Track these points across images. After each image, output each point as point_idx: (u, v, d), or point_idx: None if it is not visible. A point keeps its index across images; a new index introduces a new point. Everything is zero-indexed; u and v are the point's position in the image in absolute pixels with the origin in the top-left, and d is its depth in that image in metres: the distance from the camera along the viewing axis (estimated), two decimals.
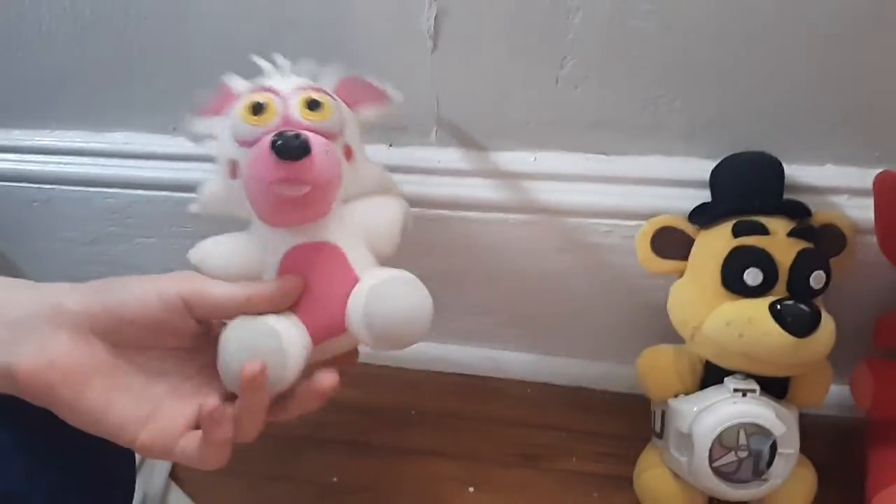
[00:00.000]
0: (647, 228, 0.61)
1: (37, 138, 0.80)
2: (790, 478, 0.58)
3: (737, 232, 0.57)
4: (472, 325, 0.76)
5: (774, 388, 0.58)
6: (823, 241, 0.59)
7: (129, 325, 0.44)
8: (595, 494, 0.64)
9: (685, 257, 0.60)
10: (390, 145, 0.71)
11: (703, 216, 0.60)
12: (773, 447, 0.56)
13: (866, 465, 0.60)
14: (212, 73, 0.53)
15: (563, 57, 0.63)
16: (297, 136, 0.48)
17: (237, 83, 0.54)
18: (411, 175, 0.69)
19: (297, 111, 0.51)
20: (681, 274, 0.61)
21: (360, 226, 0.53)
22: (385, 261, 0.53)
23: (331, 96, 0.53)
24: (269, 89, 0.52)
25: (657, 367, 0.61)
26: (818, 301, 0.56)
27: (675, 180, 0.65)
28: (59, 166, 0.79)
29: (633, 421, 0.66)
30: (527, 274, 0.72)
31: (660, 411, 0.62)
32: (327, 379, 0.46)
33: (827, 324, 0.54)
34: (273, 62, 0.55)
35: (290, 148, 0.47)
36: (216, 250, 0.52)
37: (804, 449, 0.60)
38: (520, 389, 0.77)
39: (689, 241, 0.60)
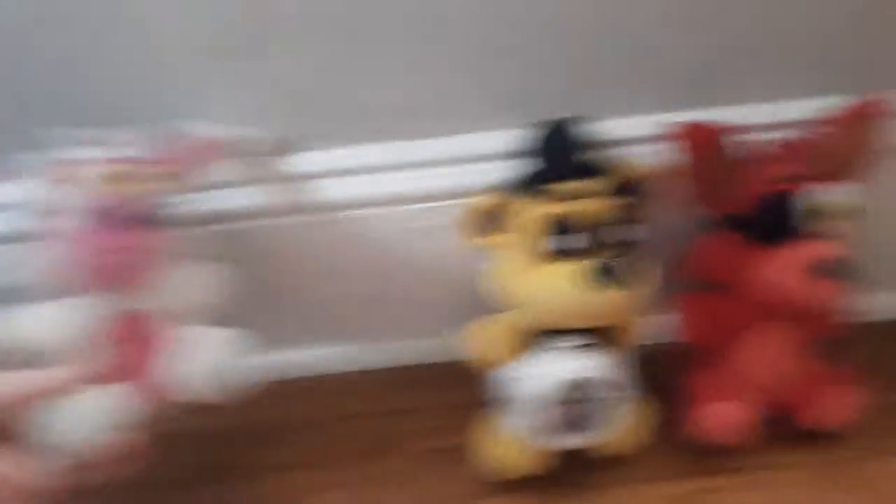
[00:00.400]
0: (470, 207, 0.60)
1: None
2: (628, 415, 0.62)
3: (547, 199, 0.57)
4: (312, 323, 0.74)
5: (602, 336, 0.60)
6: (632, 192, 0.61)
7: None
8: (448, 469, 0.65)
9: (503, 230, 0.60)
10: None
11: (517, 188, 0.60)
12: (605, 393, 0.59)
13: (685, 388, 0.64)
14: None
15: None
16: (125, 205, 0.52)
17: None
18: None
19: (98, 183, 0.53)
20: (501, 247, 0.60)
21: (179, 294, 0.57)
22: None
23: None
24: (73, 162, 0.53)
25: (486, 338, 0.62)
26: (633, 252, 0.58)
27: (484, 155, 0.65)
28: None
29: (467, 388, 0.67)
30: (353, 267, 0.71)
31: (495, 377, 0.62)
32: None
33: (638, 272, 0.56)
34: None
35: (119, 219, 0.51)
36: (37, 324, 0.54)
37: (647, 378, 0.64)
38: (358, 381, 0.77)
39: (508, 215, 0.60)
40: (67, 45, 0.61)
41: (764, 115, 0.65)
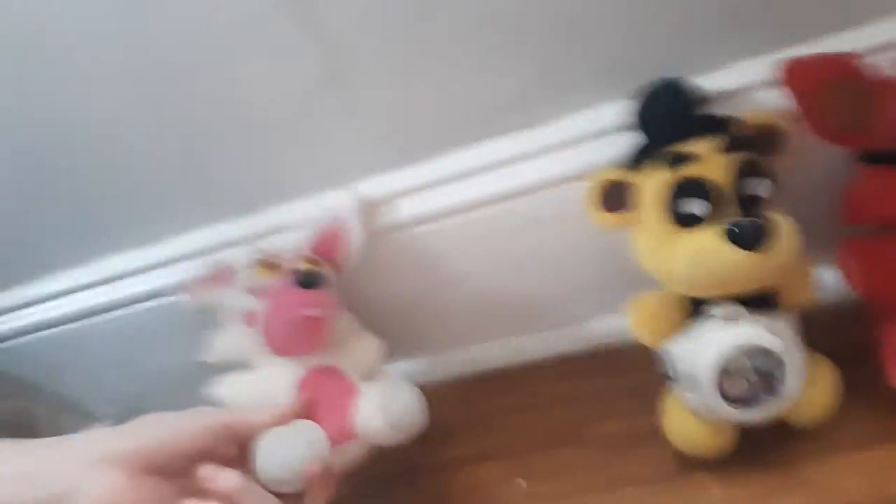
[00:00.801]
0: (592, 188, 0.60)
1: None
2: (809, 381, 0.58)
3: (669, 166, 0.57)
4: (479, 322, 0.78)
5: (764, 302, 0.58)
6: (759, 145, 0.58)
7: (179, 457, 0.48)
8: (638, 450, 0.65)
9: (632, 206, 0.60)
10: None
11: (636, 160, 0.60)
12: (778, 362, 0.56)
13: (879, 342, 0.59)
14: None
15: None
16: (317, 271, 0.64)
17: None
18: None
19: (300, 265, 0.65)
20: (634, 223, 0.60)
21: (353, 353, 0.68)
22: None
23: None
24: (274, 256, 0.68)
25: (645, 314, 0.61)
26: (772, 206, 0.56)
27: (603, 130, 0.65)
28: None
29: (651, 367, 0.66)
30: (508, 263, 0.73)
31: (663, 355, 0.62)
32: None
33: (784, 228, 0.53)
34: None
35: (312, 277, 0.64)
36: (239, 387, 0.66)
37: (818, 343, 0.59)
38: (541, 369, 0.79)
39: (633, 189, 0.60)
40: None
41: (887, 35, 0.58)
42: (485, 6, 0.59)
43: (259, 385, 0.66)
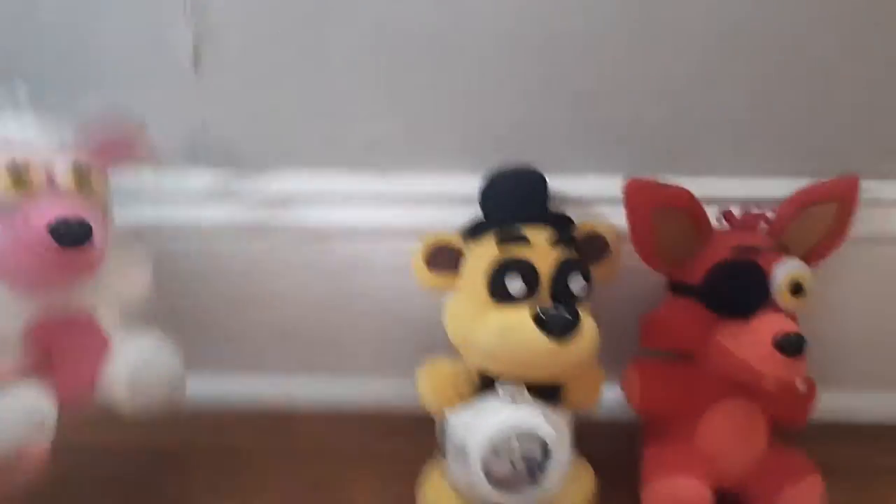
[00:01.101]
0: (421, 246, 0.61)
1: None
2: (568, 480, 0.59)
3: (500, 243, 0.58)
4: (253, 351, 0.74)
5: (548, 393, 0.59)
6: (586, 249, 0.61)
7: None
8: None
9: (458, 271, 0.60)
10: None
11: (472, 230, 0.61)
12: (547, 452, 0.57)
13: (642, 461, 0.62)
14: None
15: (333, 76, 0.62)
16: (82, 225, 0.48)
17: None
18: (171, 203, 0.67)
19: (65, 182, 0.50)
20: (454, 288, 0.61)
21: (112, 289, 0.55)
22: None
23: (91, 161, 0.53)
24: (23, 144, 0.50)
25: (434, 379, 0.61)
26: (582, 307, 0.58)
27: (449, 196, 0.66)
28: None
29: (421, 439, 0.65)
30: (307, 296, 0.71)
31: (441, 424, 0.61)
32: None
33: (588, 327, 0.55)
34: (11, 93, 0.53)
35: (75, 238, 0.48)
36: None
37: (584, 451, 0.61)
38: (308, 420, 0.75)
39: (461, 256, 0.61)
40: None
41: (730, 190, 0.65)
42: (381, 35, 0.59)
43: None
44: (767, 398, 0.59)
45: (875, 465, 0.70)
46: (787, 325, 0.55)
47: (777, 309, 0.58)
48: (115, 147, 0.56)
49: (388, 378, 0.75)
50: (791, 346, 0.54)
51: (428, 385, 0.61)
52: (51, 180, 0.50)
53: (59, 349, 0.51)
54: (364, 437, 0.72)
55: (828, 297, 0.65)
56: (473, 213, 0.62)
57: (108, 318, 0.54)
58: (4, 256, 0.48)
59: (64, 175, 0.50)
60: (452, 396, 0.60)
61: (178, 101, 0.63)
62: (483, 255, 0.58)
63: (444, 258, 0.60)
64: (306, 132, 0.67)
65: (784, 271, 0.58)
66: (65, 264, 0.48)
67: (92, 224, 0.49)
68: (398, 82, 0.63)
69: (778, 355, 0.54)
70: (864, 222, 0.64)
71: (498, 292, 0.56)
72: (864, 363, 0.73)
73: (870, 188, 0.64)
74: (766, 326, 0.56)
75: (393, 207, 0.68)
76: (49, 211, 0.48)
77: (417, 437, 0.66)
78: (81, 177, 0.51)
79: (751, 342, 0.56)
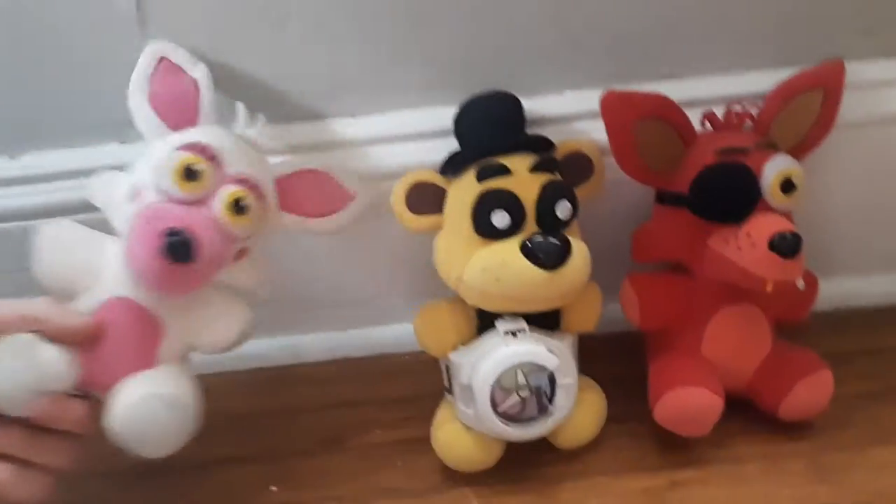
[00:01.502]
0: (400, 187, 0.59)
1: None
2: (578, 404, 0.59)
3: (480, 177, 0.56)
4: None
5: (547, 321, 0.59)
6: (570, 170, 0.60)
7: None
8: (399, 463, 0.63)
9: (441, 210, 0.59)
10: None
11: (450, 166, 0.59)
12: (553, 380, 0.56)
13: (647, 376, 0.61)
14: None
15: (287, 15, 0.59)
16: (187, 243, 0.49)
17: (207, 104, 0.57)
18: None
19: (220, 203, 0.52)
20: (438, 227, 0.59)
21: (198, 321, 0.55)
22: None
23: (262, 197, 0.55)
24: (212, 156, 0.52)
25: (432, 322, 0.60)
26: (571, 230, 0.56)
27: (424, 133, 0.64)
28: None
29: (431, 378, 0.64)
30: (300, 250, 0.69)
31: (444, 366, 0.61)
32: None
33: (578, 252, 0.54)
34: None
35: (177, 253, 0.48)
36: (67, 254, 0.53)
37: (591, 371, 0.61)
38: (314, 372, 0.75)
39: (443, 194, 0.59)
40: None
41: (710, 89, 0.63)
42: None
43: (84, 257, 0.53)
44: (768, 300, 0.58)
45: (880, 347, 0.70)
46: (782, 225, 0.54)
47: (769, 209, 0.56)
48: (310, 200, 0.60)
49: (387, 326, 0.75)
50: (787, 246, 0.53)
51: (426, 327, 0.61)
52: (210, 198, 0.52)
53: (116, 335, 0.51)
54: (370, 384, 0.72)
55: (819, 188, 0.63)
56: (451, 147, 0.60)
57: (172, 345, 0.54)
58: (129, 236, 0.50)
59: (222, 200, 0.52)
60: (452, 338, 0.59)
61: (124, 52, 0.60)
62: (464, 191, 0.57)
63: (426, 198, 0.59)
64: (266, 82, 0.64)
65: (774, 169, 0.56)
66: (161, 270, 0.49)
67: (202, 245, 0.49)
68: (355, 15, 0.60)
69: (775, 257, 0.53)
70: (848, 107, 0.61)
71: (483, 229, 0.55)
72: (861, 247, 0.72)
73: (851, 70, 0.61)
74: (760, 229, 0.55)
75: (359, 151, 0.65)
76: (176, 217, 0.50)
77: (424, 378, 0.66)
78: (235, 210, 0.53)
79: (746, 247, 0.55)
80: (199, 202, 0.52)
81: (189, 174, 0.51)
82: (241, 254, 0.55)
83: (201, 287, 0.53)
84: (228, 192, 0.52)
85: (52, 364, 0.46)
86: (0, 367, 0.45)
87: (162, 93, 0.56)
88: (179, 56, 0.57)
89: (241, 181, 0.53)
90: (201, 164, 0.52)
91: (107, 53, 0.62)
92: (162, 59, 0.57)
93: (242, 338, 0.57)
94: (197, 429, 0.52)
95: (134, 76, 0.57)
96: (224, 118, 0.58)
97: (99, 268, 0.53)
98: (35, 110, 0.65)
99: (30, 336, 0.46)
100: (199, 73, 0.57)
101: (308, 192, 0.59)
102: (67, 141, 0.66)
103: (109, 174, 0.55)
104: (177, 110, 0.56)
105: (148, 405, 0.49)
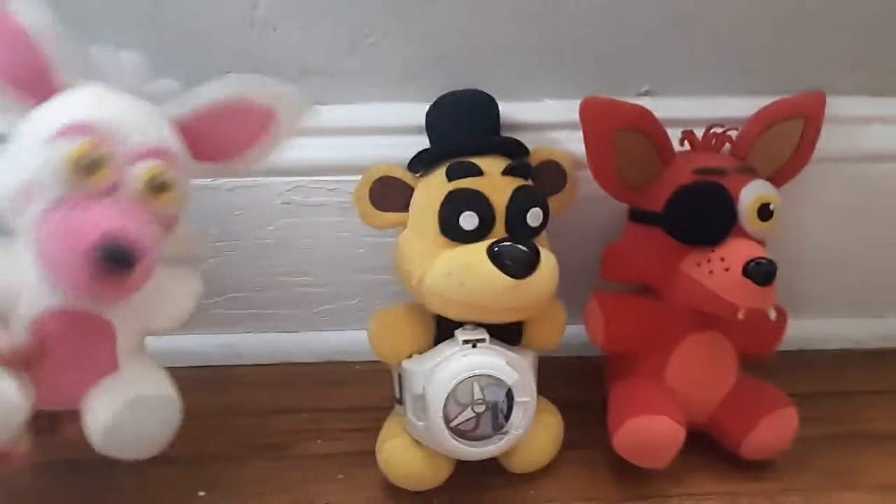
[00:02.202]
0: (364, 181, 0.56)
1: None
2: (534, 426, 0.56)
3: (450, 175, 0.53)
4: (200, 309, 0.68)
5: (508, 335, 0.55)
6: (542, 178, 0.58)
7: None
8: (340, 476, 0.59)
9: (406, 208, 0.56)
10: None
11: (420, 163, 0.56)
12: (510, 396, 0.53)
13: (608, 402, 0.59)
14: None
15: None
16: (126, 253, 0.42)
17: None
18: None
19: (136, 186, 0.44)
20: (404, 226, 0.56)
21: (148, 305, 0.49)
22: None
23: (177, 161, 0.46)
24: (103, 137, 0.43)
25: (388, 328, 0.57)
26: (539, 239, 0.54)
27: (395, 127, 0.61)
28: None
29: (382, 389, 0.60)
30: (252, 243, 0.65)
31: (397, 375, 0.57)
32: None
33: (547, 262, 0.52)
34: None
35: (119, 264, 0.41)
36: None
37: (549, 393, 0.59)
38: (261, 375, 0.70)
39: (410, 191, 0.56)
40: None
41: (691, 110, 0.62)
42: None
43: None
44: (737, 329, 0.56)
45: (845, 390, 0.68)
46: (757, 251, 0.52)
47: (745, 234, 0.54)
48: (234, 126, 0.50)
49: (339, 331, 0.71)
50: (762, 273, 0.51)
51: (381, 334, 0.57)
52: (120, 183, 0.44)
53: (62, 348, 0.46)
54: (316, 392, 0.68)
55: (791, 222, 0.62)
56: (421, 144, 0.57)
57: (127, 340, 0.48)
58: (48, 252, 0.43)
59: (137, 181, 0.44)
60: (408, 345, 0.56)
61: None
62: (432, 190, 0.54)
63: (391, 194, 0.56)
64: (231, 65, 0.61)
65: (752, 194, 0.55)
66: (101, 283, 0.42)
67: (143, 246, 0.42)
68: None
69: (749, 284, 0.51)
70: (829, 140, 0.60)
71: (450, 230, 0.52)
72: (830, 288, 0.71)
73: (834, 104, 0.60)
74: (735, 253, 0.53)
75: (336, 141, 0.62)
76: (102, 221, 0.42)
77: (373, 388, 0.63)
78: (155, 189, 0.45)
79: (718, 271, 0.53)
80: (108, 191, 0.43)
81: (88, 168, 0.42)
82: (171, 225, 0.48)
83: (143, 286, 0.46)
84: (140, 171, 0.44)
85: (4, 396, 0.41)
86: None
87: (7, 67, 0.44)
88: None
89: (150, 153, 0.44)
90: (97, 150, 0.42)
91: None
92: None
93: (196, 306, 0.52)
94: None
95: None
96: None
97: (10, 288, 0.45)
98: None
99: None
100: (32, 18, 0.44)
101: (220, 130, 0.50)
102: None
103: None
104: (22, 76, 0.45)
105: (133, 411, 0.46)
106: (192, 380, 0.66)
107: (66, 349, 0.46)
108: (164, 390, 0.48)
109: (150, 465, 0.57)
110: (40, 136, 0.43)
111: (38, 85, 0.44)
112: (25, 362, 0.43)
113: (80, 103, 0.45)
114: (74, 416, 0.46)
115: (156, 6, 0.59)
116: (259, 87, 0.50)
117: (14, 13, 0.43)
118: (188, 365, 0.68)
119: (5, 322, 0.45)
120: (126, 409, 0.46)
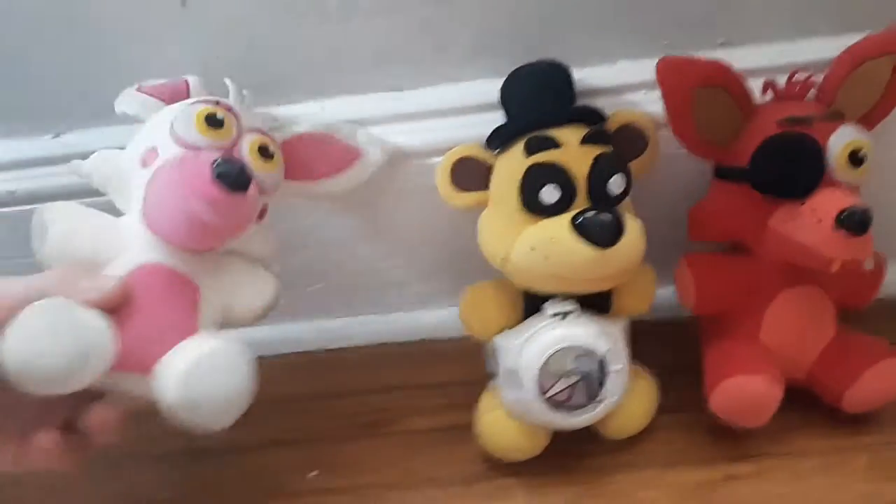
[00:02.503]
0: (444, 162, 0.57)
1: None
2: (628, 392, 0.56)
3: (528, 150, 0.53)
4: (296, 297, 0.71)
5: (598, 303, 0.56)
6: (622, 143, 0.57)
7: None
8: (441, 450, 0.60)
9: (487, 187, 0.56)
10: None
11: (497, 140, 0.56)
12: (603, 366, 0.53)
13: (702, 363, 0.58)
14: None
15: None
16: (243, 169, 0.48)
17: (196, 84, 0.55)
18: None
19: (247, 148, 0.51)
20: (484, 204, 0.56)
21: (230, 286, 0.52)
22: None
23: (275, 142, 0.55)
24: (229, 108, 0.52)
25: (477, 304, 0.58)
26: (624, 206, 0.53)
27: (470, 106, 0.61)
28: None
29: (475, 365, 0.62)
30: (343, 233, 0.67)
31: (490, 350, 0.58)
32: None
33: (633, 229, 0.51)
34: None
35: (234, 179, 0.46)
36: (82, 224, 0.49)
37: (643, 358, 0.58)
38: (357, 356, 0.73)
39: (489, 169, 0.56)
40: None
41: (770, 57, 0.59)
42: None
43: (104, 239, 0.49)
44: (832, 282, 0.55)
45: None
46: (850, 200, 0.50)
47: (836, 183, 0.53)
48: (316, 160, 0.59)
49: (431, 310, 0.72)
50: (856, 222, 0.49)
51: (470, 309, 0.58)
52: (236, 146, 0.51)
53: (149, 302, 0.48)
54: (413, 370, 0.70)
55: (886, 163, 0.59)
56: (498, 121, 0.57)
57: (209, 311, 0.51)
58: (164, 189, 0.48)
59: (248, 145, 0.52)
60: (497, 319, 0.57)
61: (170, 39, 0.58)
62: (511, 166, 0.54)
63: (471, 174, 0.56)
64: (304, 59, 0.62)
65: (840, 140, 0.53)
66: (215, 202, 0.46)
67: (252, 175, 0.49)
68: None
69: (842, 235, 0.50)
70: None
71: (532, 205, 0.52)
72: None
73: None
74: (826, 204, 0.51)
75: (413, 126, 0.62)
76: (209, 154, 0.48)
77: (468, 365, 0.63)
78: (265, 154, 0.53)
79: (810, 224, 0.51)
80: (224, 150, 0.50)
81: (212, 121, 0.50)
82: (262, 213, 0.53)
83: (243, 232, 0.51)
84: (253, 138, 0.52)
85: (93, 329, 0.42)
86: (36, 337, 0.40)
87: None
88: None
89: (260, 131, 0.53)
90: (222, 113, 0.51)
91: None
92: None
93: (275, 303, 0.55)
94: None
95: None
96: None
97: (112, 244, 0.49)
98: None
99: (62, 299, 0.42)
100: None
101: (310, 156, 0.58)
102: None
103: (104, 152, 0.52)
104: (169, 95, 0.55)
105: (211, 361, 0.46)
106: (294, 366, 0.70)
107: (153, 305, 0.47)
108: (240, 346, 0.48)
109: (259, 449, 0.60)
110: (176, 108, 0.52)
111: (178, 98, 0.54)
112: (112, 308, 0.45)
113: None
114: (97, 399, 0.47)
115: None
116: (354, 131, 0.59)
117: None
118: (289, 352, 0.71)
119: (99, 270, 0.48)
120: (197, 365, 0.45)
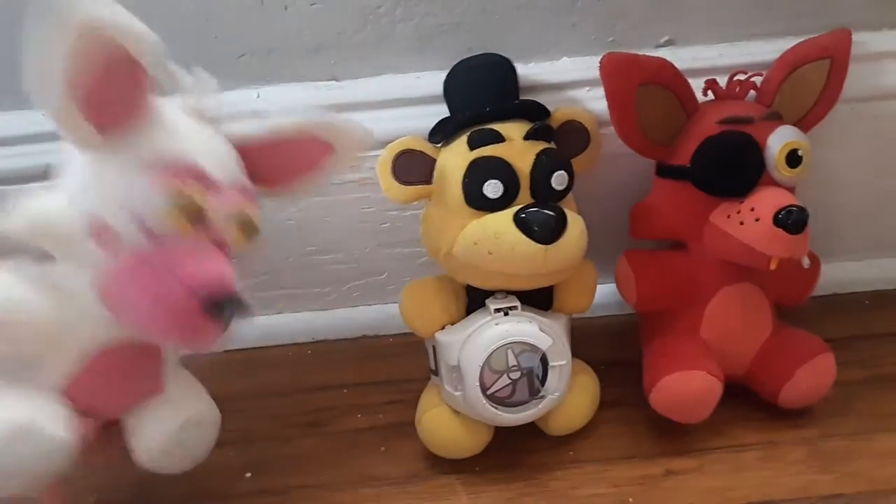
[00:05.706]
0: (386, 155, 0.55)
1: None
2: (570, 388, 0.56)
3: (471, 144, 0.53)
4: None
5: (540, 300, 0.55)
6: (565, 139, 0.56)
7: None
8: (383, 448, 0.59)
9: (430, 180, 0.55)
10: None
11: (440, 133, 0.55)
12: (545, 361, 0.53)
13: (643, 360, 0.58)
14: None
15: None
16: (238, 300, 0.41)
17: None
18: None
19: (231, 233, 0.43)
20: (428, 198, 0.56)
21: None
22: None
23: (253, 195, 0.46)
24: (206, 180, 0.41)
25: (419, 300, 0.57)
26: (566, 202, 0.53)
27: (413, 98, 0.60)
28: None
29: (417, 361, 0.61)
30: (278, 224, 0.65)
31: (431, 347, 0.57)
32: None
33: (575, 225, 0.51)
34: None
35: (229, 315, 0.41)
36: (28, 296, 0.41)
37: (584, 354, 0.58)
38: (295, 353, 0.71)
39: (432, 162, 0.55)
40: None
41: (712, 58, 0.60)
42: None
43: (49, 310, 0.42)
44: (770, 279, 0.55)
45: (880, 332, 0.67)
46: (788, 199, 0.51)
47: (774, 183, 0.53)
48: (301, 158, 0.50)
49: (370, 306, 0.71)
50: (794, 221, 0.50)
51: (412, 307, 0.57)
52: (218, 238, 0.43)
53: (114, 377, 0.47)
54: (352, 368, 0.69)
55: (820, 165, 0.61)
56: (441, 113, 0.57)
57: (170, 365, 0.50)
58: (133, 296, 0.40)
59: (227, 220, 0.43)
60: (440, 316, 0.56)
61: None
62: (454, 159, 0.53)
63: (413, 167, 0.55)
64: (241, 46, 0.60)
65: (779, 140, 0.53)
66: (199, 330, 0.40)
67: (243, 297, 0.42)
68: None
69: (780, 233, 0.50)
70: (856, 79, 0.59)
71: (475, 199, 0.52)
72: (862, 230, 0.70)
73: (860, 41, 0.59)
74: (765, 203, 0.52)
75: (356, 116, 0.61)
76: (205, 267, 0.40)
77: (408, 362, 0.63)
78: (249, 230, 0.44)
79: (749, 221, 0.52)
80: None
81: (195, 216, 0.40)
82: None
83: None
84: (234, 213, 0.43)
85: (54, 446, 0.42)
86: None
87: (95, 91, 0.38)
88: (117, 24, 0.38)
89: (240, 191, 0.44)
90: (203, 197, 0.40)
91: None
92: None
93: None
94: None
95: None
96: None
97: (64, 319, 0.43)
98: None
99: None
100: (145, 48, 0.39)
101: (277, 158, 0.49)
102: None
103: (37, 204, 0.41)
104: (116, 108, 0.40)
105: (184, 433, 0.49)
106: (231, 363, 0.68)
107: (117, 378, 0.47)
108: (208, 409, 0.51)
109: None
110: (127, 173, 0.40)
111: (123, 112, 0.40)
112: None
113: (169, 138, 0.42)
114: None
115: None
116: (322, 120, 0.49)
117: (110, 28, 0.37)
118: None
119: (56, 352, 0.44)
120: (178, 433, 0.49)
